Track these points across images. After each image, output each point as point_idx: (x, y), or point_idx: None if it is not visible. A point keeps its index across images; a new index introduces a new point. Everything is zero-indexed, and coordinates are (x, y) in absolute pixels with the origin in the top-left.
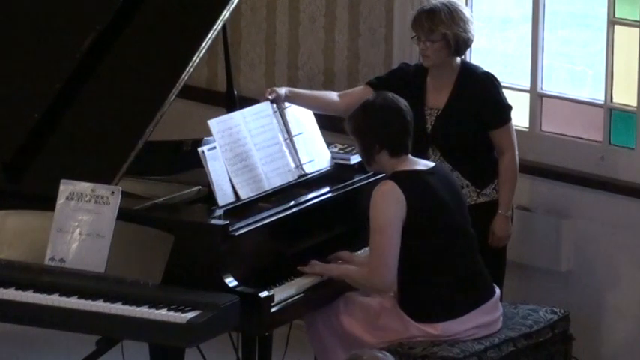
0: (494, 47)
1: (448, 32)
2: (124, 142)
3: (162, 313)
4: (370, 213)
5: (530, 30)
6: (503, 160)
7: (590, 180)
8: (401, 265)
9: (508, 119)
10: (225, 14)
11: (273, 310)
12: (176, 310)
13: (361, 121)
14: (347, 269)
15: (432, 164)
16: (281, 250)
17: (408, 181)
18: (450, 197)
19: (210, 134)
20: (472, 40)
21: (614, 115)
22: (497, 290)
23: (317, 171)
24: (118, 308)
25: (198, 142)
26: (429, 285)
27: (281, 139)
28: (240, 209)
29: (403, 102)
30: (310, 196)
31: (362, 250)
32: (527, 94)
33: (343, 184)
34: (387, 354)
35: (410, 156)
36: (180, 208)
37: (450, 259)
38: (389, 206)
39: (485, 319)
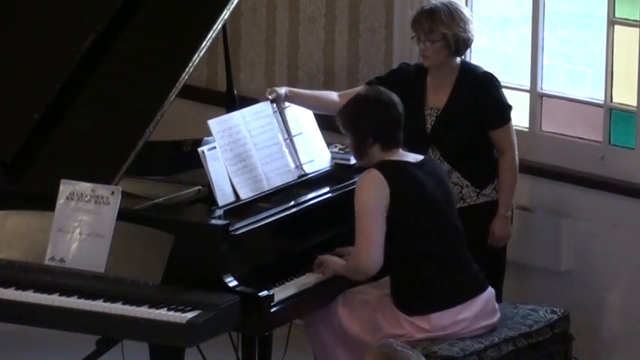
0: (494, 47)
1: (448, 32)
2: (124, 142)
3: (163, 313)
4: (354, 199)
5: (530, 30)
6: (503, 160)
7: (590, 180)
8: (390, 256)
9: (508, 119)
10: (225, 14)
11: (273, 310)
12: (176, 310)
13: (354, 114)
14: (336, 264)
15: (421, 157)
16: (281, 250)
17: (392, 169)
18: (438, 190)
19: (210, 134)
20: (472, 40)
21: (614, 115)
22: (491, 288)
23: (317, 171)
24: (118, 308)
25: (198, 142)
26: (417, 276)
27: (281, 139)
28: (240, 209)
29: (394, 96)
30: (310, 196)
31: None
32: (527, 94)
33: (343, 184)
34: (419, 353)
35: (401, 150)
36: (180, 208)
37: (436, 251)
38: (371, 191)
39: (476, 313)
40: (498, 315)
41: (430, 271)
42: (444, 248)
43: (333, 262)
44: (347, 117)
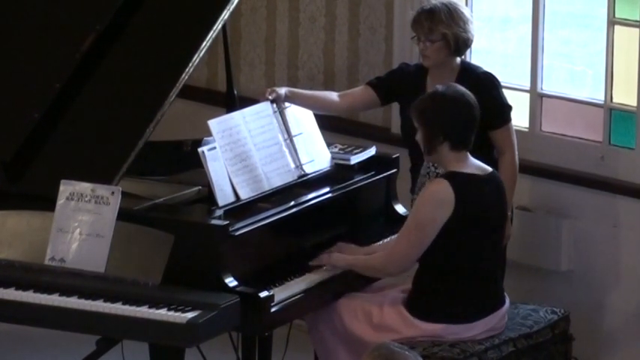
0: (494, 47)
1: (448, 32)
2: (124, 142)
3: (162, 313)
4: (416, 204)
5: (530, 30)
6: (503, 160)
7: (590, 180)
8: (426, 262)
9: (508, 119)
10: (225, 14)
11: (273, 310)
12: (176, 310)
13: (429, 110)
14: (356, 259)
15: (489, 169)
16: (281, 250)
17: (464, 186)
18: (496, 210)
19: (210, 134)
20: (472, 40)
21: (614, 115)
22: (508, 300)
23: (317, 171)
24: (118, 308)
25: (198, 142)
26: (447, 287)
27: (281, 139)
28: (240, 209)
29: (472, 98)
30: (310, 196)
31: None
32: (527, 94)
33: (343, 184)
34: (416, 354)
35: (469, 154)
36: (180, 208)
37: (470, 268)
38: (436, 208)
39: (489, 327)
40: (504, 326)
41: (458, 286)
42: (478, 266)
43: (340, 258)
44: (420, 112)
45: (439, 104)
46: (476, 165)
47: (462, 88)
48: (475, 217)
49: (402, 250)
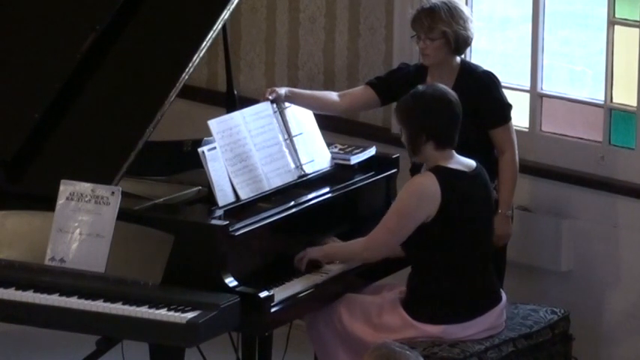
0: (494, 47)
1: (448, 30)
2: (124, 142)
3: (162, 313)
4: (400, 193)
5: (530, 30)
6: (503, 159)
7: (590, 180)
8: (417, 264)
9: (508, 118)
10: (225, 14)
11: (273, 310)
12: (176, 310)
13: (410, 110)
14: (332, 247)
15: (474, 164)
16: (281, 250)
17: (450, 180)
18: (483, 206)
19: (210, 134)
20: (472, 39)
21: (614, 115)
22: (504, 298)
23: (317, 171)
24: (118, 308)
25: (198, 142)
26: (439, 286)
27: (281, 139)
28: (240, 209)
29: (454, 95)
30: (310, 196)
31: None
32: (527, 94)
33: (343, 184)
34: (417, 353)
35: (454, 152)
36: (180, 208)
37: (465, 266)
38: (420, 200)
39: (487, 326)
40: (504, 324)
41: (452, 284)
42: (470, 265)
43: (315, 250)
44: (402, 113)
45: (420, 104)
46: (461, 162)
47: (442, 87)
48: (462, 212)
49: (381, 236)
